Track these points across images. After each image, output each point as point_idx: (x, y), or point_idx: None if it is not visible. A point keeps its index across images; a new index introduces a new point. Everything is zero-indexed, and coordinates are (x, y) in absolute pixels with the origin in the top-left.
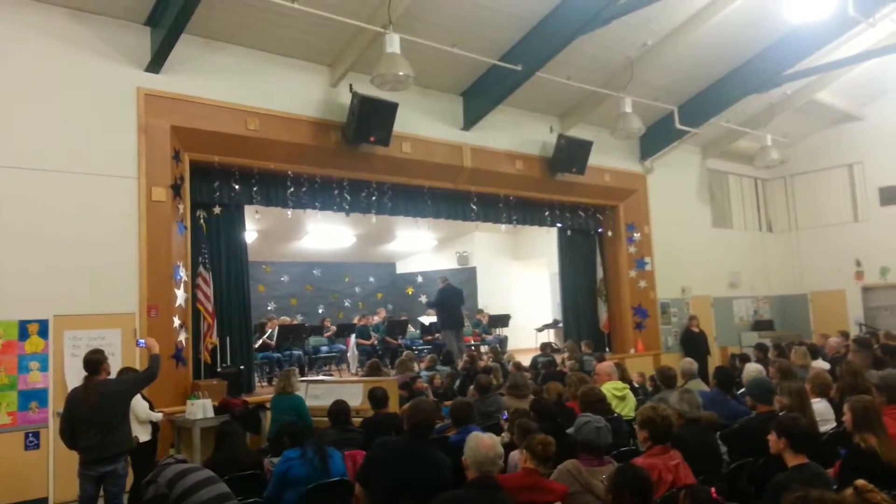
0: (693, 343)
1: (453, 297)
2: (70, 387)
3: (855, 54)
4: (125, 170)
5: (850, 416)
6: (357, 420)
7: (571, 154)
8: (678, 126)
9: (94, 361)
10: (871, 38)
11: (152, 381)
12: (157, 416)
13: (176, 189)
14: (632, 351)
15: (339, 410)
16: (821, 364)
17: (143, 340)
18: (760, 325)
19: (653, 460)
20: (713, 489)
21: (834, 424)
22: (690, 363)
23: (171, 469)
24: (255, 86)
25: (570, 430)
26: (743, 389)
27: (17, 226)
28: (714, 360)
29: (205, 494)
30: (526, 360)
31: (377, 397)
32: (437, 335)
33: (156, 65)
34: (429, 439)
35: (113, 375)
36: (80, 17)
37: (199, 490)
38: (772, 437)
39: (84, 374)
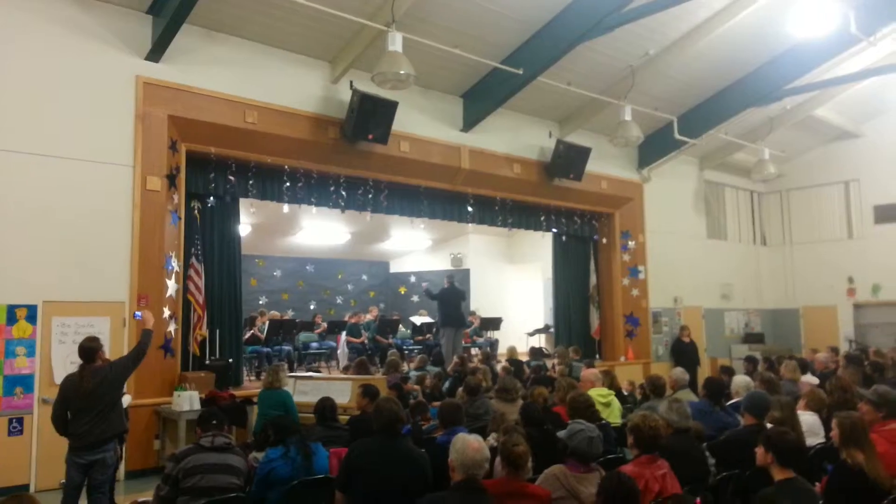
0: (683, 353)
1: (455, 297)
2: (56, 373)
3: (855, 72)
4: (121, 157)
5: (839, 431)
6: (344, 418)
7: (569, 160)
8: (677, 136)
9: (91, 349)
10: (872, 56)
11: (143, 357)
12: (127, 399)
13: (171, 179)
14: (622, 359)
15: (326, 407)
16: (810, 379)
17: (139, 313)
18: (751, 338)
19: (640, 469)
20: (698, 499)
21: (822, 439)
22: (682, 373)
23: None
24: (255, 79)
25: (561, 434)
26: (732, 401)
27: (10, 209)
28: (704, 372)
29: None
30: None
31: (372, 393)
32: (428, 335)
33: (156, 53)
34: (402, 436)
35: None
36: (82, 3)
37: (196, 475)
38: (759, 450)
39: (72, 360)
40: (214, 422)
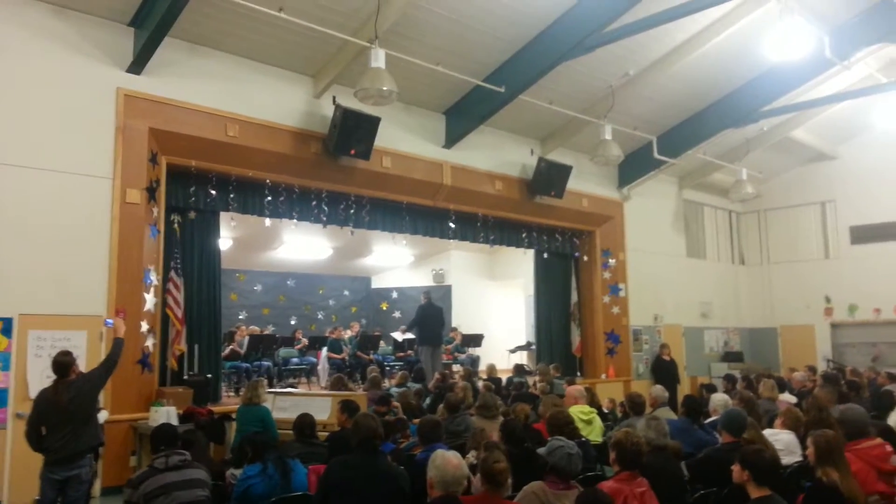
0: (663, 371)
1: (433, 314)
2: (31, 388)
3: (830, 95)
4: (100, 169)
5: (814, 450)
6: (323, 434)
7: (551, 177)
8: (656, 156)
9: (64, 364)
10: (847, 79)
11: (115, 367)
12: (103, 415)
13: (151, 192)
14: (603, 376)
15: (305, 423)
16: (787, 397)
17: (110, 320)
18: (730, 357)
19: (619, 485)
20: None
21: (799, 457)
22: (662, 391)
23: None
24: (238, 92)
25: (541, 451)
26: (711, 419)
27: None
28: (683, 390)
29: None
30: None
31: (351, 409)
32: (409, 352)
33: (137, 66)
34: (381, 452)
35: None
36: (63, 13)
37: (159, 496)
38: (736, 468)
39: (48, 375)
40: (162, 447)
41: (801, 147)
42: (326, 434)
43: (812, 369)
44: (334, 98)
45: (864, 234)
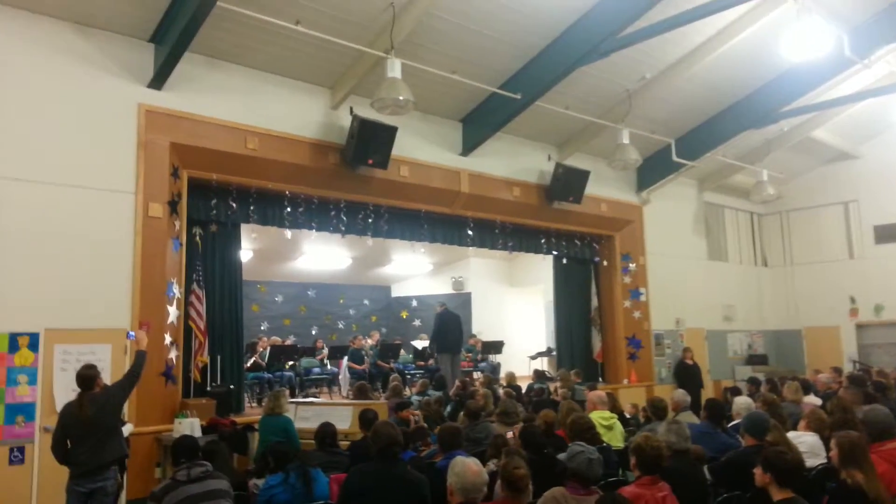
0: (687, 375)
1: (450, 322)
2: (58, 401)
3: (851, 94)
4: (123, 184)
5: (837, 451)
6: (345, 443)
7: (568, 183)
8: (675, 159)
9: (89, 377)
10: (868, 78)
11: (138, 379)
12: (128, 428)
13: (173, 205)
14: (625, 381)
15: (326, 433)
16: (812, 400)
17: (132, 333)
18: (754, 360)
19: (640, 490)
20: None
21: (824, 459)
22: (684, 395)
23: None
24: (256, 106)
25: (561, 457)
26: (734, 422)
27: (12, 236)
28: (707, 393)
29: None
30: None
31: (368, 419)
32: (430, 360)
33: (158, 81)
34: (400, 460)
35: None
36: (85, 31)
37: None
38: (757, 471)
39: (73, 388)
40: (183, 459)
41: (822, 147)
42: (348, 443)
43: (837, 371)
44: (351, 109)
45: (888, 234)
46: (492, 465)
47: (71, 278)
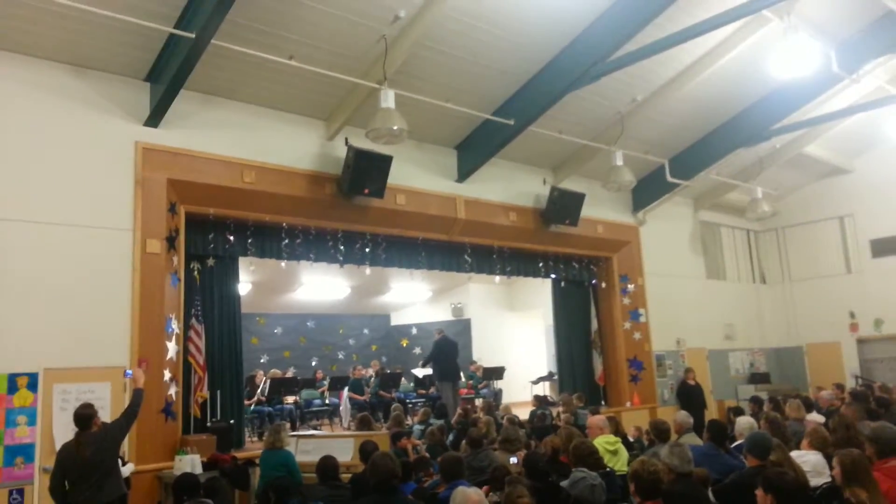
0: (689, 396)
1: (448, 349)
2: (58, 441)
3: (841, 109)
4: (121, 222)
5: (840, 470)
6: (346, 476)
7: (564, 206)
8: (669, 179)
9: (85, 416)
10: (858, 92)
11: (135, 418)
12: (129, 468)
13: (171, 241)
14: (628, 404)
15: (327, 466)
16: (815, 417)
17: (130, 371)
18: (756, 378)
19: None
20: None
21: (828, 478)
22: (686, 417)
23: None
24: (252, 140)
25: (564, 484)
26: (737, 443)
27: (10, 277)
28: (710, 414)
29: None
30: (522, 414)
31: (367, 452)
32: (431, 388)
33: (154, 119)
34: (399, 492)
35: None
36: (81, 73)
37: None
38: (759, 493)
39: (73, 428)
40: (185, 497)
41: (815, 162)
42: (350, 475)
43: (839, 387)
44: (346, 139)
45: (885, 247)
46: (495, 497)
47: (69, 317)
